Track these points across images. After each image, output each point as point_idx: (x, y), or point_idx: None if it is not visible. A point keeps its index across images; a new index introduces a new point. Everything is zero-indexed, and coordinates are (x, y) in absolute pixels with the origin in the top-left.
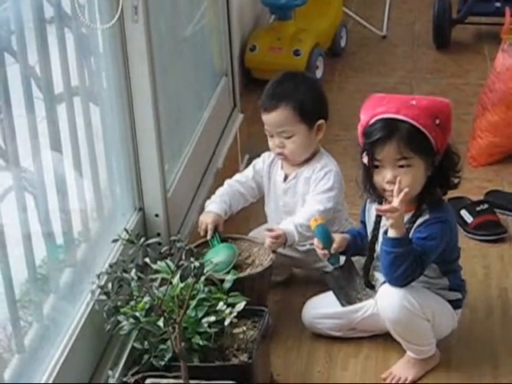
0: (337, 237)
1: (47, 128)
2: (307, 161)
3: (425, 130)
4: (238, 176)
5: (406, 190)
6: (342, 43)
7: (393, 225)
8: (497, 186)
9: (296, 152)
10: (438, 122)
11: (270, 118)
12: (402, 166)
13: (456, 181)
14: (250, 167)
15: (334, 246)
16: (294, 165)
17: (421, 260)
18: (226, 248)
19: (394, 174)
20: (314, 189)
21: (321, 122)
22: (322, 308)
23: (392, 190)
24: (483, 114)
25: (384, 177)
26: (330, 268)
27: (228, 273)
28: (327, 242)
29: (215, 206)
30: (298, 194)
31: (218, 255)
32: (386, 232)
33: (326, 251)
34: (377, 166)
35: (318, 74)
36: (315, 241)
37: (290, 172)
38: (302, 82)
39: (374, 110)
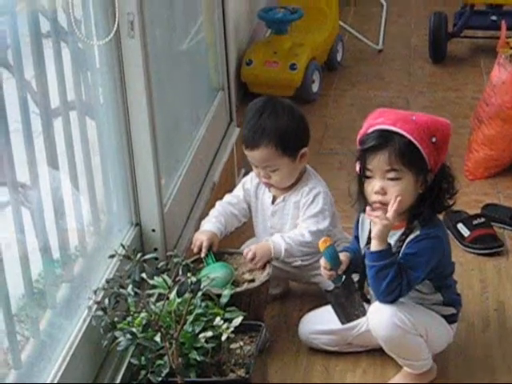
0: (341, 257)
1: (43, 143)
2: (294, 183)
3: (418, 145)
4: (228, 197)
5: (399, 198)
6: (338, 57)
7: (377, 235)
8: (493, 199)
9: (282, 181)
10: (434, 140)
11: (252, 155)
12: (391, 179)
13: (450, 202)
14: (240, 187)
15: (342, 267)
16: (281, 189)
17: (407, 276)
18: (223, 267)
19: (382, 186)
20: (304, 213)
21: (303, 150)
22: (318, 324)
23: (379, 201)
24: (479, 127)
25: (373, 187)
26: (330, 286)
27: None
28: (336, 264)
29: (211, 226)
30: (286, 216)
31: (214, 273)
32: (368, 247)
33: (333, 272)
34: (367, 176)
35: (314, 87)
36: (323, 262)
37: (278, 194)
38: (282, 112)
39: (373, 120)
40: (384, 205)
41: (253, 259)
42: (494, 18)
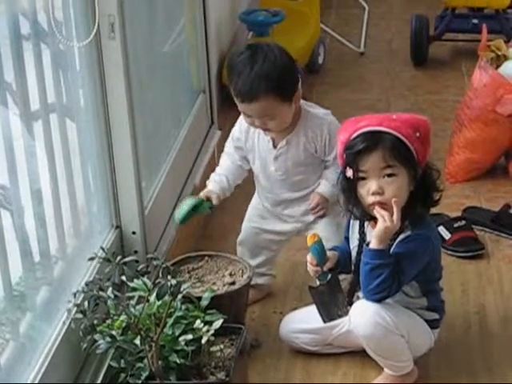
0: (329, 254)
1: (23, 144)
2: (293, 123)
3: (407, 140)
4: (226, 161)
5: (395, 199)
6: (320, 60)
7: (377, 234)
8: (474, 202)
9: (279, 126)
10: (418, 134)
11: (250, 108)
12: (386, 176)
13: (437, 197)
14: (229, 141)
15: (328, 264)
16: (279, 131)
17: (398, 277)
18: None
19: (378, 185)
20: (329, 151)
21: (298, 92)
22: (300, 323)
23: (377, 202)
24: (460, 130)
25: (369, 188)
26: (315, 283)
27: (184, 219)
28: (322, 259)
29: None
30: (291, 158)
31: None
32: (367, 244)
33: (318, 268)
34: (362, 178)
35: None
36: (309, 257)
37: (278, 138)
38: (273, 57)
39: (354, 126)
40: (383, 205)
41: (314, 208)
42: (475, 21)
